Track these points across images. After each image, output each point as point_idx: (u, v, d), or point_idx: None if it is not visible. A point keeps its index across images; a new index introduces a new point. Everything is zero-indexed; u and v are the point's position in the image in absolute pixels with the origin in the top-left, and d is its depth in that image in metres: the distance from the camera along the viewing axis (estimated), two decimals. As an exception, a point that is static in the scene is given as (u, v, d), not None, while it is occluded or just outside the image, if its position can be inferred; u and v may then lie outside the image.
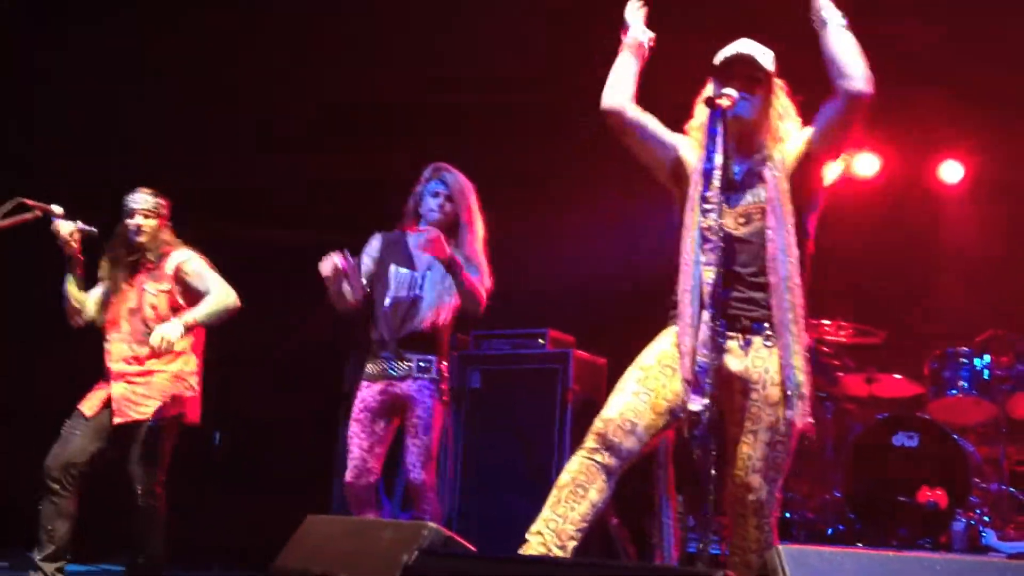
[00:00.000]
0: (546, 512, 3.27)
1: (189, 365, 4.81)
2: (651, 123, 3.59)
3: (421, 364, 4.75)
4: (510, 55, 7.14)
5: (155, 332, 4.55)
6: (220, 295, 4.71)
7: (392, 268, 4.86)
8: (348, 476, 4.76)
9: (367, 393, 4.78)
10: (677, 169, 3.55)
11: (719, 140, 3.23)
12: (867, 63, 3.29)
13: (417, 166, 4.99)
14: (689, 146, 3.54)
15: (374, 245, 4.96)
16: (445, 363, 4.87)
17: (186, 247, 4.87)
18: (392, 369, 4.77)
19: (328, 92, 7.24)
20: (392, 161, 6.41)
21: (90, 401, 4.73)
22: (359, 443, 4.74)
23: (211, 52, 6.86)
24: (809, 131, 3.46)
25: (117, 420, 4.65)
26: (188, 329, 4.62)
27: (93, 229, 4.77)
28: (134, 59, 6.95)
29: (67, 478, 4.57)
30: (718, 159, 3.24)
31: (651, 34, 3.67)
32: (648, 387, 3.34)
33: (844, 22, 3.32)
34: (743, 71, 3.42)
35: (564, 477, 3.30)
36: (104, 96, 7.01)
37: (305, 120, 7.36)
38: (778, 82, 3.51)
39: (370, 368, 4.82)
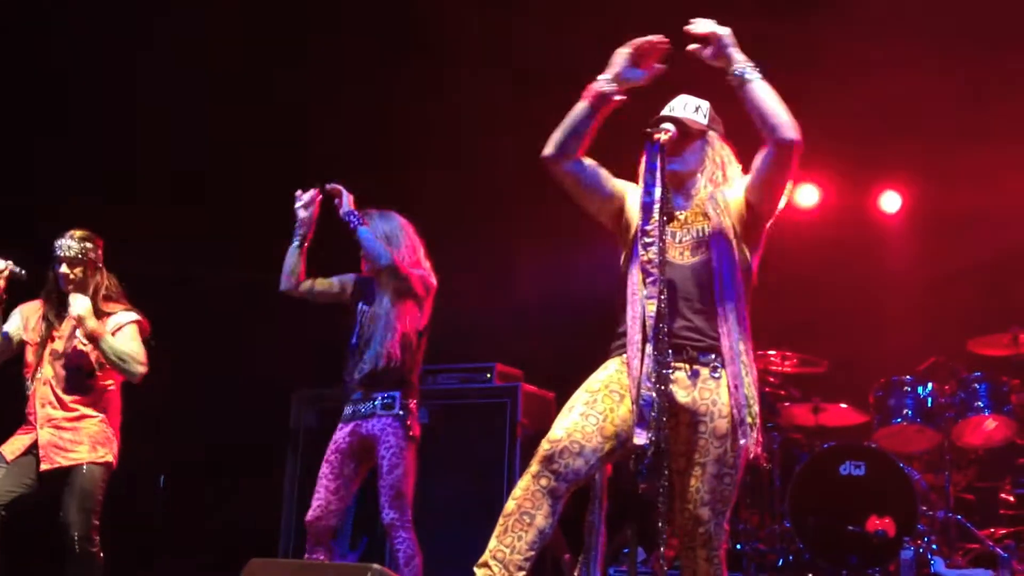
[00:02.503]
0: (493, 543, 3.24)
1: (115, 411, 4.71)
2: (592, 176, 3.53)
3: (385, 401, 4.74)
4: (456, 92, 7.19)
5: (73, 305, 4.46)
6: (134, 357, 4.58)
7: (360, 306, 4.89)
8: (310, 515, 4.76)
9: (339, 434, 4.82)
10: (622, 217, 3.55)
11: (657, 174, 3.24)
12: (788, 110, 3.29)
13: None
14: (635, 193, 3.52)
15: (349, 277, 5.07)
16: (413, 400, 4.83)
17: (129, 308, 4.74)
18: (360, 408, 4.78)
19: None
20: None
21: (11, 445, 4.59)
22: (326, 484, 4.75)
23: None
24: (746, 180, 3.49)
25: (45, 467, 4.51)
26: (93, 335, 4.48)
27: (22, 271, 4.64)
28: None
29: None
30: (657, 192, 3.25)
31: (623, 95, 3.42)
32: (597, 410, 3.32)
33: (759, 74, 3.31)
34: (675, 131, 3.43)
35: (510, 505, 3.27)
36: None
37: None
38: (714, 133, 3.54)
39: (345, 409, 4.87)
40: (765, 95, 3.30)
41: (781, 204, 3.51)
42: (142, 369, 4.62)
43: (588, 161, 3.53)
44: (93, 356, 4.61)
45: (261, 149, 7.11)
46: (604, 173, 3.56)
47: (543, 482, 3.25)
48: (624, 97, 3.41)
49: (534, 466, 3.28)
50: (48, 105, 6.85)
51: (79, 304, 4.53)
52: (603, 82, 3.39)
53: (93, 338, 4.52)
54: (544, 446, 3.29)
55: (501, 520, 3.26)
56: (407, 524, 4.73)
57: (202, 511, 7.08)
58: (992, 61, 6.68)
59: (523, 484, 3.28)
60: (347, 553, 6.24)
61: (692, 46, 3.34)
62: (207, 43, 6.66)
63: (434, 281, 4.92)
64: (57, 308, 4.69)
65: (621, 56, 3.39)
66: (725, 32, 3.31)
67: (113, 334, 4.61)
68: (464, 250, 7.42)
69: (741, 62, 3.31)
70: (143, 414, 4.90)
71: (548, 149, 3.47)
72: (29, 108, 6.79)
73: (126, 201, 6.84)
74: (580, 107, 3.43)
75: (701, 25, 3.31)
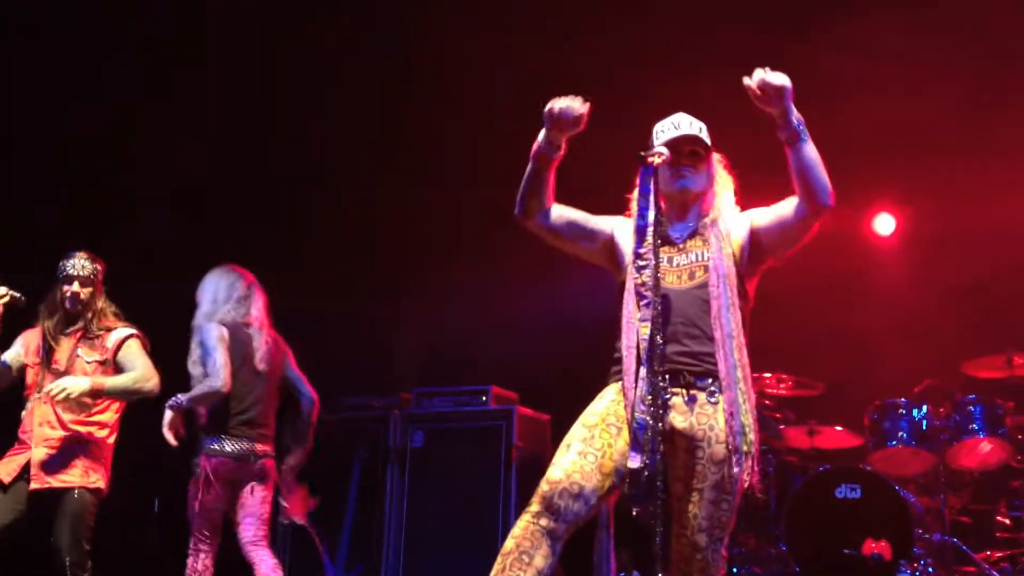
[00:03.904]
0: (491, 581, 3.22)
1: (111, 437, 4.71)
2: (569, 225, 3.56)
3: None
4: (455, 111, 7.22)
5: (58, 382, 4.46)
6: (142, 375, 4.63)
7: None
8: None
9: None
10: (615, 252, 3.56)
11: (651, 197, 3.26)
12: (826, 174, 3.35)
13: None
14: (626, 226, 3.54)
15: None
16: (205, 439, 4.99)
17: (127, 324, 4.79)
18: None
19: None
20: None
21: (5, 467, 4.56)
22: None
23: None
24: (760, 218, 3.50)
25: (35, 486, 4.49)
26: (95, 393, 4.52)
27: (22, 298, 4.66)
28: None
29: None
30: (650, 216, 3.26)
31: (561, 150, 3.44)
32: (595, 447, 3.30)
33: (807, 135, 3.34)
34: (687, 148, 3.46)
35: (509, 543, 3.25)
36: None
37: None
38: (717, 156, 3.56)
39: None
40: (814, 157, 3.36)
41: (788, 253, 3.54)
42: (152, 386, 4.66)
43: (562, 211, 3.54)
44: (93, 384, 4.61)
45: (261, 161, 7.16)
46: (582, 217, 3.57)
47: (543, 522, 3.24)
48: (562, 152, 3.43)
49: (534, 506, 3.26)
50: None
51: (75, 385, 4.51)
52: (542, 142, 3.43)
53: (96, 394, 4.53)
54: (543, 487, 3.28)
55: (500, 559, 3.24)
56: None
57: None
58: (986, 80, 6.71)
59: (522, 523, 3.26)
60: (341, 574, 6.23)
61: (750, 83, 3.28)
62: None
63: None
64: (61, 325, 4.71)
65: (547, 119, 3.40)
66: (788, 85, 3.28)
67: (117, 349, 4.63)
68: (460, 273, 7.46)
69: (797, 119, 3.32)
70: (137, 437, 4.89)
71: (516, 208, 3.53)
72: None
73: (125, 217, 6.87)
74: (529, 167, 3.48)
75: (774, 77, 3.26)
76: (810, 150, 3.34)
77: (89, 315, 4.71)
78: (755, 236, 3.48)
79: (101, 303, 4.76)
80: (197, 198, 7.19)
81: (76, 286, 4.68)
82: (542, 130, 3.43)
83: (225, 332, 4.89)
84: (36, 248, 5.57)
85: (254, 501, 4.92)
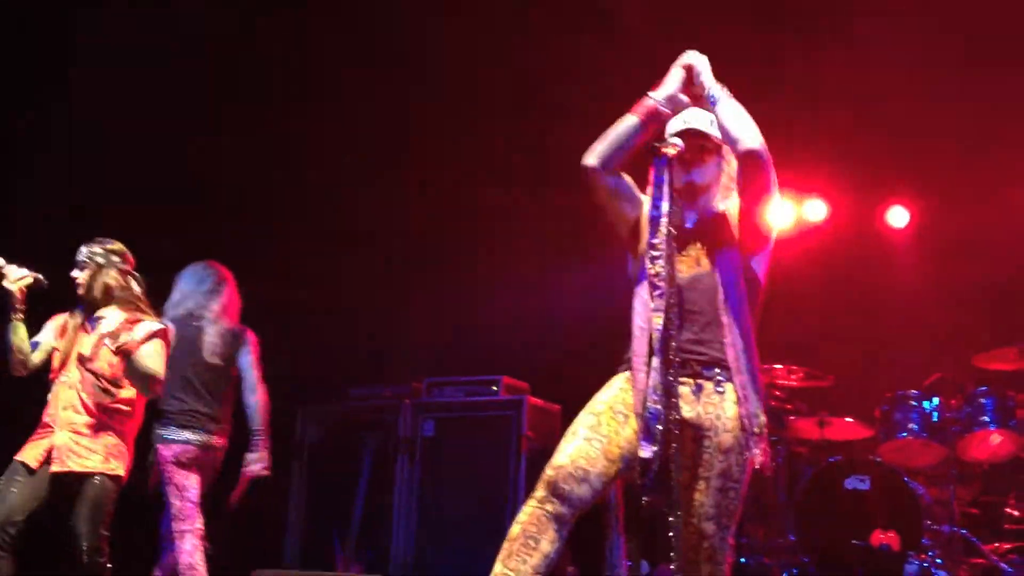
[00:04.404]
0: (498, 567, 3.23)
1: (132, 424, 4.74)
2: (626, 189, 3.59)
3: None
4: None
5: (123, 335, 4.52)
6: (155, 377, 4.62)
7: None
8: None
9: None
10: (637, 228, 3.58)
11: (665, 188, 3.28)
12: (754, 124, 3.39)
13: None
14: (646, 209, 3.57)
15: None
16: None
17: (157, 318, 4.80)
18: None
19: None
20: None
21: (32, 451, 4.57)
22: None
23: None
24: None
25: (56, 468, 4.50)
26: (126, 352, 4.53)
27: (41, 277, 4.69)
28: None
29: (5, 537, 4.39)
30: (664, 207, 3.28)
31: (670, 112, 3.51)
32: (601, 433, 3.32)
33: (727, 94, 3.42)
34: (694, 143, 3.48)
35: (515, 528, 3.27)
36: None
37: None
38: (727, 148, 3.58)
39: None
40: (734, 111, 3.40)
41: (772, 215, 3.53)
42: (159, 390, 4.70)
43: (622, 175, 3.58)
44: (120, 368, 4.64)
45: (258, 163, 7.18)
46: (633, 185, 3.62)
47: (548, 507, 3.26)
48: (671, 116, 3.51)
49: (539, 491, 3.29)
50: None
51: (109, 321, 4.60)
52: (658, 101, 3.47)
53: (124, 351, 4.56)
54: (548, 472, 3.30)
55: (506, 544, 3.26)
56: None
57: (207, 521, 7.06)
58: (1002, 78, 6.69)
59: (528, 509, 3.28)
60: (351, 566, 6.26)
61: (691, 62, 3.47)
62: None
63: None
64: (84, 313, 4.75)
65: (675, 77, 3.49)
66: (697, 60, 3.46)
67: (143, 341, 4.65)
68: (471, 261, 7.47)
69: (712, 85, 3.44)
70: (145, 425, 4.92)
71: (591, 160, 3.51)
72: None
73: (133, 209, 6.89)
74: (630, 122, 3.49)
75: (700, 64, 3.46)
76: (726, 108, 3.41)
77: (96, 295, 4.72)
78: (743, 212, 3.51)
79: (107, 283, 4.73)
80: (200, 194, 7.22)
81: (76, 272, 4.73)
82: (664, 85, 3.49)
83: (171, 334, 4.90)
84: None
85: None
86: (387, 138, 7.38)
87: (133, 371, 4.60)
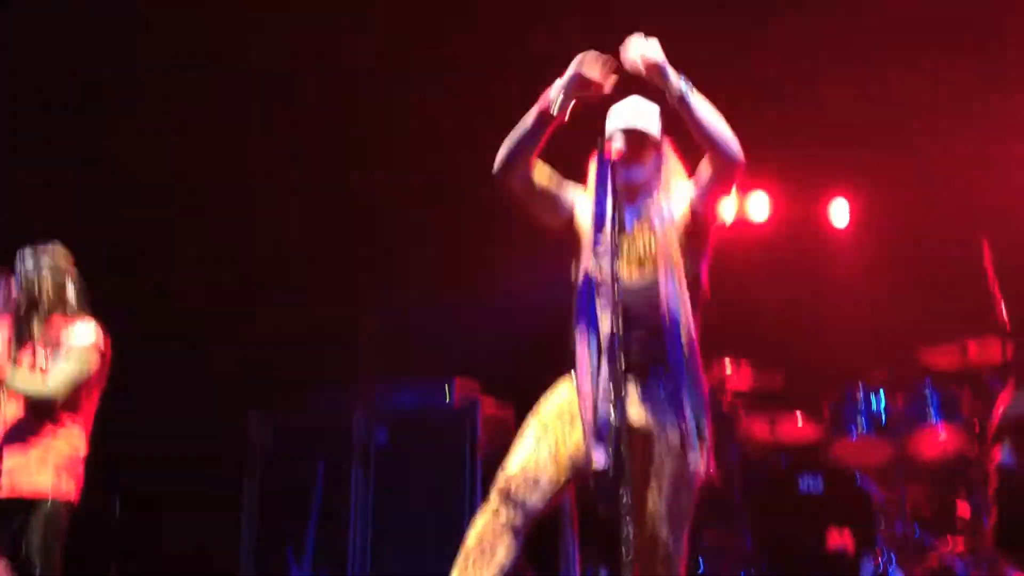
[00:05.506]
0: (454, 576, 3.21)
1: (84, 427, 4.58)
2: (545, 189, 3.53)
3: None
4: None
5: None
6: (60, 377, 4.42)
7: None
8: None
9: None
10: (572, 224, 3.55)
11: (608, 188, 3.25)
12: (728, 127, 3.31)
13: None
14: (584, 203, 3.53)
15: None
16: None
17: (88, 319, 4.60)
18: None
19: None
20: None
21: None
22: None
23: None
24: (690, 189, 3.50)
25: (2, 495, 4.34)
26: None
27: None
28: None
29: None
30: (609, 207, 3.25)
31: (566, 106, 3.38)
32: (549, 440, 3.32)
33: (694, 92, 3.31)
34: (633, 140, 3.45)
35: (470, 540, 3.25)
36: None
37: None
38: (667, 144, 3.55)
39: None
40: (706, 113, 3.31)
41: (718, 213, 3.52)
42: (51, 393, 4.39)
43: (539, 170, 3.50)
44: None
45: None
46: (556, 181, 3.55)
47: (502, 517, 3.25)
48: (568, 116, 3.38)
49: (492, 501, 3.27)
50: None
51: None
52: (553, 101, 3.36)
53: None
54: (500, 482, 3.29)
55: (461, 555, 3.24)
56: None
57: (159, 534, 6.97)
58: (941, 65, 6.74)
59: (482, 519, 3.27)
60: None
61: (634, 60, 3.32)
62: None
63: None
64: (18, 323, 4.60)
65: (570, 77, 3.36)
66: (658, 56, 3.29)
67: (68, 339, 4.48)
68: (423, 259, 7.42)
69: (677, 80, 3.30)
70: (95, 433, 4.80)
71: (497, 166, 3.46)
72: None
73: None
74: (528, 121, 3.40)
75: (653, 53, 3.29)
76: (700, 106, 3.30)
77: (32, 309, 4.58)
78: (691, 207, 3.47)
79: (51, 293, 4.59)
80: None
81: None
82: (555, 86, 3.36)
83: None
84: None
85: None
86: (342, 131, 7.32)
87: (23, 389, 4.42)
